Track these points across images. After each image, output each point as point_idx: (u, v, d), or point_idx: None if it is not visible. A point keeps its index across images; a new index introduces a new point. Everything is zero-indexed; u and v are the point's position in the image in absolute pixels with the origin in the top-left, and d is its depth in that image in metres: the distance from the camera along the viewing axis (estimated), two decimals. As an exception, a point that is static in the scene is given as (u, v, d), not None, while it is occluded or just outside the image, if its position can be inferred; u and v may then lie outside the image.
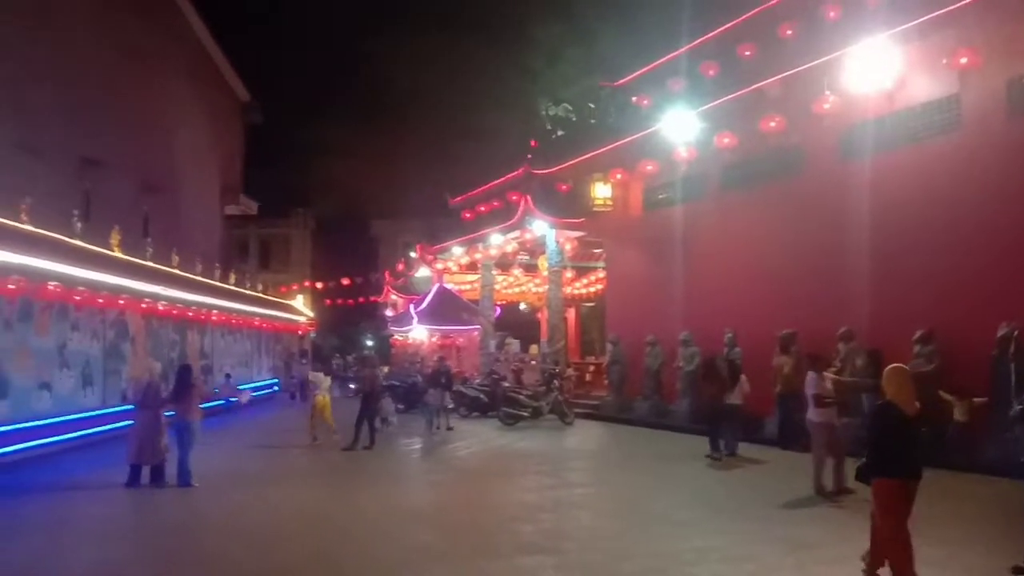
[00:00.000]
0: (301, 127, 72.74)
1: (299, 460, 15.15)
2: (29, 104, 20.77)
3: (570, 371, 25.54)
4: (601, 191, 23.09)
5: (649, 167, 20.31)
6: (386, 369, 30.93)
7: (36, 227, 15.19)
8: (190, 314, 22.82)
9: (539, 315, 33.21)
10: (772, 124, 16.16)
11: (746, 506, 9.99)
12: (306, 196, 55.89)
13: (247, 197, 40.97)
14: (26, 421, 14.03)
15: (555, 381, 21.26)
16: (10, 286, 13.42)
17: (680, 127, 18.36)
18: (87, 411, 16.43)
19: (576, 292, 31.62)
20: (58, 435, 14.95)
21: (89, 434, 16.12)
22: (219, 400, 21.73)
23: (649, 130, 19.49)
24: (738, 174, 18.43)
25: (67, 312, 16.00)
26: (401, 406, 22.55)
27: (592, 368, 27.54)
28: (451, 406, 19.98)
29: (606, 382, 22.74)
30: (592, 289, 30.60)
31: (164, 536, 8.89)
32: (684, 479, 12.35)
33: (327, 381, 17.88)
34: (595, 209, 23.26)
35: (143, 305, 19.47)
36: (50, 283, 14.80)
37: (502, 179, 26.86)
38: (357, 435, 15.71)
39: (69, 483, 12.11)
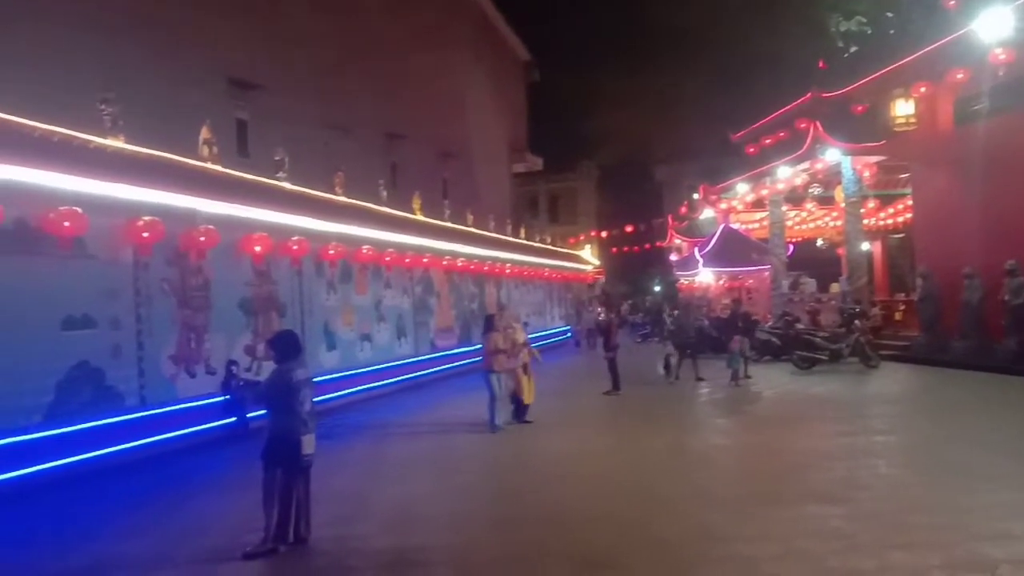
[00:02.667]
0: (580, 79, 73.70)
1: (589, 404, 15.60)
2: (338, 89, 23.32)
3: (875, 310, 23.58)
4: (902, 109, 20.71)
5: (959, 76, 17.85)
6: (674, 312, 30.79)
7: (350, 198, 17.12)
8: (486, 268, 24.39)
9: (839, 251, 30.93)
10: (1116, 6, 13.41)
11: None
12: (589, 148, 56.71)
13: (532, 154, 42.61)
14: (351, 369, 16.07)
15: (856, 321, 19.75)
16: (331, 251, 15.29)
17: (995, 26, 15.85)
18: (402, 359, 18.39)
19: (881, 223, 28.96)
20: (378, 381, 16.91)
21: (404, 380, 18.04)
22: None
23: (958, 33, 17.09)
24: (1072, 72, 15.60)
25: (380, 272, 17.89)
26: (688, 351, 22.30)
27: (902, 306, 25.17)
28: (751, 354, 18.84)
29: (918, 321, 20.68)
30: (900, 219, 27.82)
31: (456, 471, 9.72)
32: (1001, 427, 10.92)
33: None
34: (896, 130, 20.94)
35: (444, 262, 21.18)
36: (364, 247, 16.62)
37: (787, 107, 25.15)
38: (615, 380, 15.98)
39: (385, 423, 13.65)
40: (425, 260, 19.82)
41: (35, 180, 9.21)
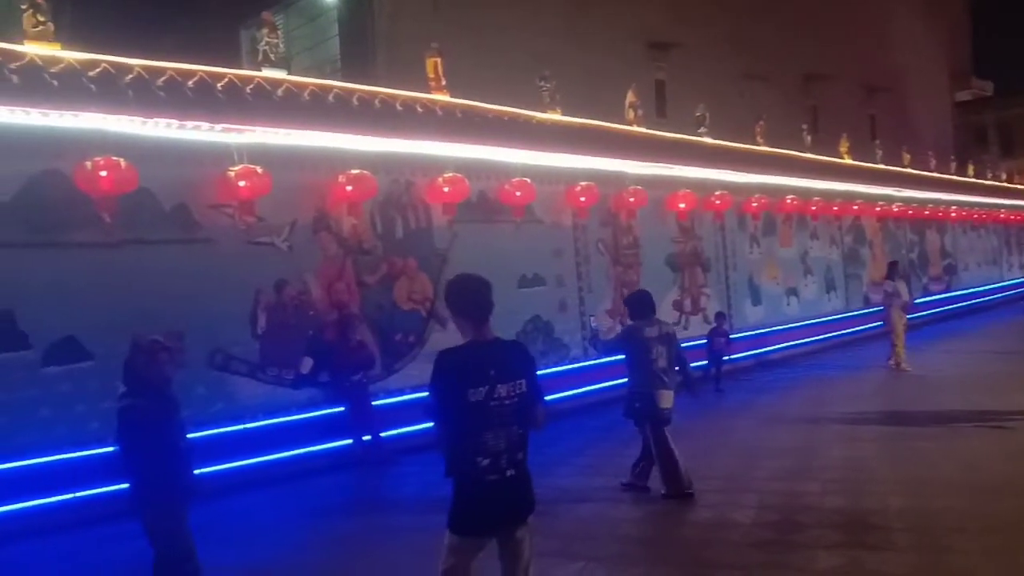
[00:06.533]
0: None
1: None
2: (751, 37, 22.64)
3: None
4: None
5: None
6: None
7: (770, 147, 16.55)
8: (927, 212, 21.93)
9: None
10: None
11: None
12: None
13: (979, 79, 37.06)
14: (776, 325, 15.64)
15: None
16: (753, 204, 14.98)
17: None
18: (831, 315, 17.41)
19: None
20: (805, 338, 16.22)
21: (833, 336, 17.05)
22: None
23: None
24: None
25: (805, 222, 17.10)
26: None
27: None
28: None
29: None
30: None
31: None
32: None
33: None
34: None
35: (877, 208, 19.52)
36: (788, 197, 15.99)
37: None
38: None
39: (820, 380, 13.04)
40: (855, 207, 18.46)
41: (491, 156, 10.42)
